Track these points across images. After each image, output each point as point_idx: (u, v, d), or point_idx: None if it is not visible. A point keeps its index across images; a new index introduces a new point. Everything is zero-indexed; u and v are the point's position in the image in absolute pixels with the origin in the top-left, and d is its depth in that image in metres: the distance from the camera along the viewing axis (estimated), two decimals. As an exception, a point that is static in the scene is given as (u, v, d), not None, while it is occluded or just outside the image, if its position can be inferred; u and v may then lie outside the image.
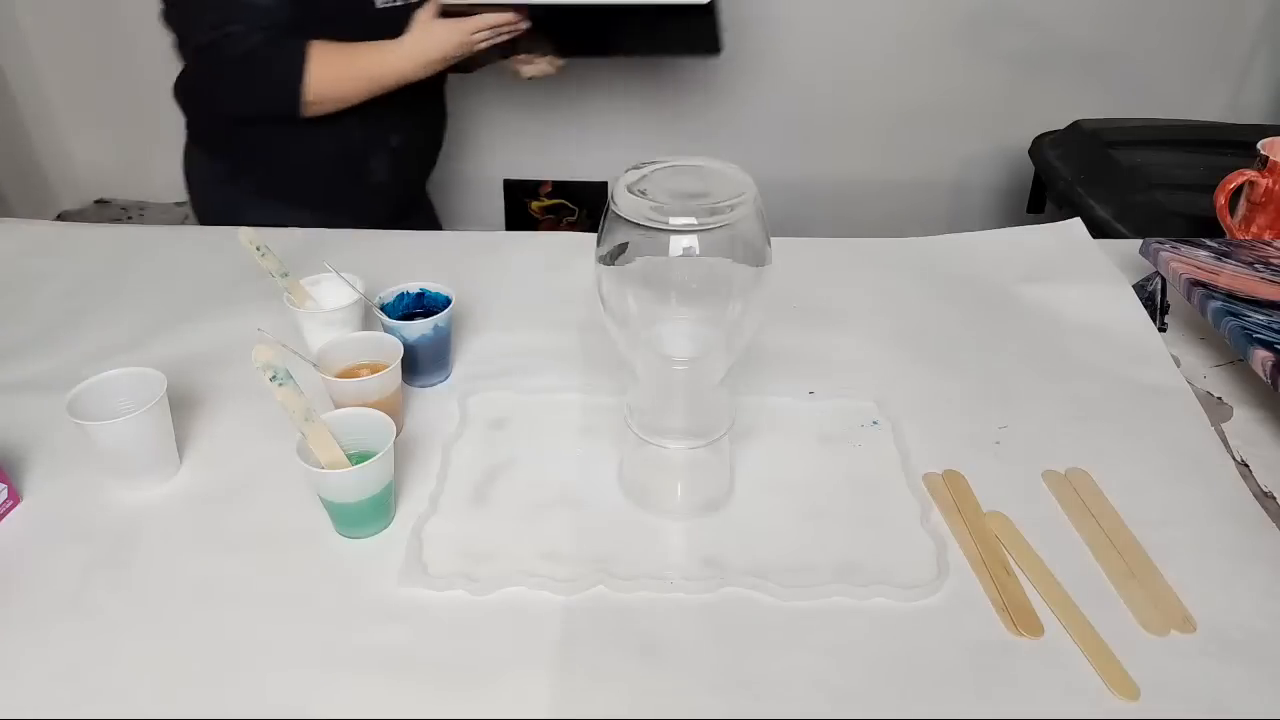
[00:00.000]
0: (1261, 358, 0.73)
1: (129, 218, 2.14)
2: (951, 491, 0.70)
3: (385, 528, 0.67)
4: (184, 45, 1.09)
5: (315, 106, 1.10)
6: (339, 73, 1.09)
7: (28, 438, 0.74)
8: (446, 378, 0.83)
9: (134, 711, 0.55)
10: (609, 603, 0.61)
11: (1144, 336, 0.87)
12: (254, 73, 1.07)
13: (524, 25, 1.15)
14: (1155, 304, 0.91)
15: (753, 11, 1.84)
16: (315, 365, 0.72)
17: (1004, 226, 1.07)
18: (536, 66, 1.28)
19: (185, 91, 1.19)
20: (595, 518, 0.68)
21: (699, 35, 1.23)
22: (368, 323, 0.83)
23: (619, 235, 0.58)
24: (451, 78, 1.31)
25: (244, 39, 1.04)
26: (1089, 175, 1.55)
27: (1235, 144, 1.53)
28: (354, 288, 0.81)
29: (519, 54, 1.26)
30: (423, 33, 1.11)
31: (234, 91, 1.10)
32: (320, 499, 0.65)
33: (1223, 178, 0.98)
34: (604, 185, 2.11)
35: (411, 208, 1.39)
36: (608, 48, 1.42)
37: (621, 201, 0.57)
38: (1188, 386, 0.81)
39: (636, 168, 0.60)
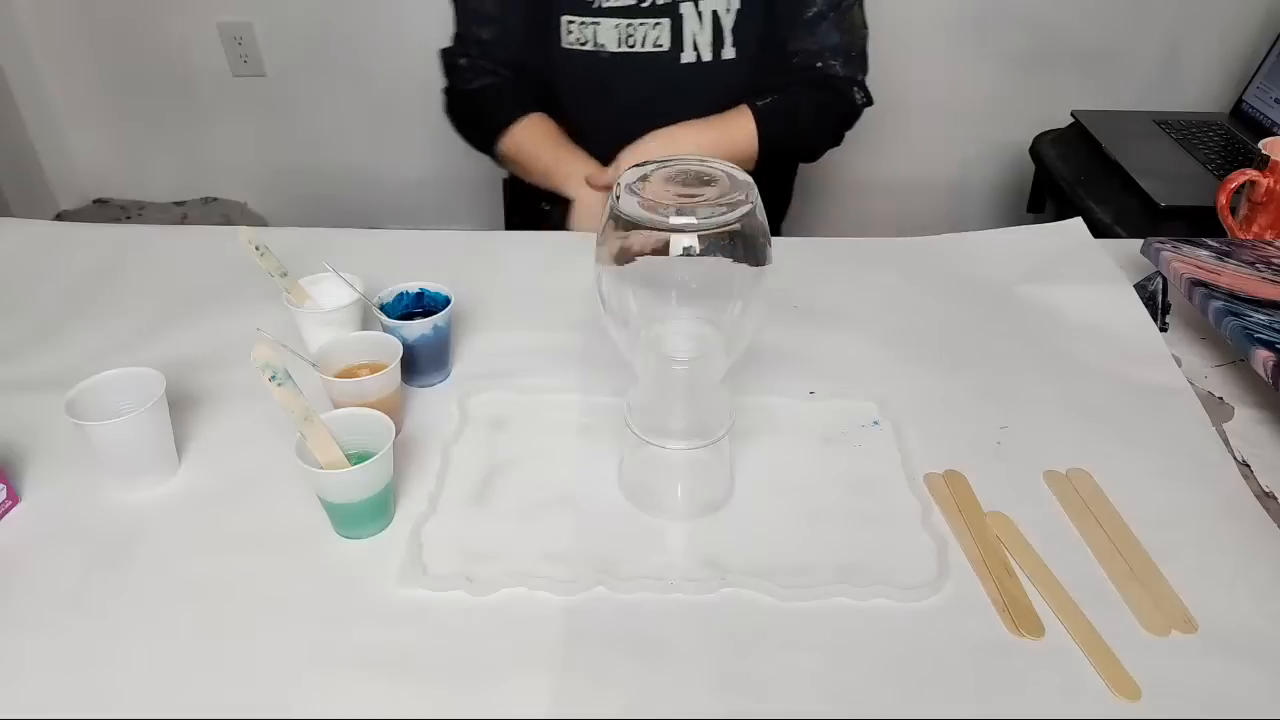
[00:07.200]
0: (1263, 357, 0.73)
1: (128, 217, 2.13)
2: (952, 492, 0.70)
3: (385, 528, 0.67)
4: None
5: (506, 163, 1.21)
6: (524, 154, 1.17)
7: (27, 438, 0.74)
8: (446, 378, 0.82)
9: (134, 711, 0.54)
10: (609, 603, 0.61)
11: (1145, 336, 0.87)
12: (475, 108, 1.21)
13: None
14: (1156, 304, 0.91)
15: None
16: (314, 365, 0.72)
17: (1004, 226, 1.07)
18: None
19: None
20: (595, 518, 0.68)
21: None
22: (367, 322, 0.83)
23: (619, 235, 0.58)
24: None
25: (474, 75, 1.18)
26: (1089, 174, 1.55)
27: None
28: (353, 287, 0.80)
29: None
30: (589, 196, 1.13)
31: (454, 113, 1.24)
32: (319, 499, 0.65)
33: (1224, 176, 0.98)
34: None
35: None
36: None
37: (621, 201, 0.57)
38: (1189, 386, 0.81)
39: (637, 167, 0.60)
